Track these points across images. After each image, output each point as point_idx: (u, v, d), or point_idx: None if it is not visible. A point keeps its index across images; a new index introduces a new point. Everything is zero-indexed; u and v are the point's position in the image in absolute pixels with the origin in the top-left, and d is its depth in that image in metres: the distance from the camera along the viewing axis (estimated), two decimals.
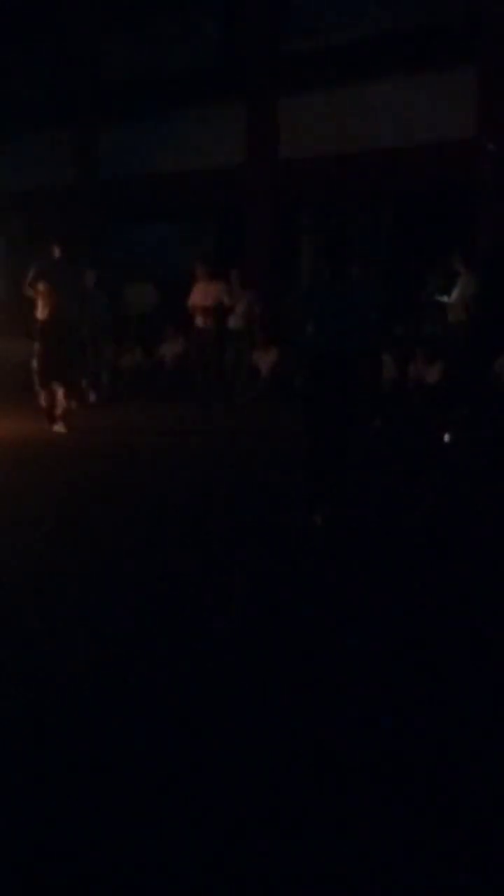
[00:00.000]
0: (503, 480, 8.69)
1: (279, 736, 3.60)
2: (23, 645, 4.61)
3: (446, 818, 2.99)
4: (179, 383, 14.79)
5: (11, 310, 14.56)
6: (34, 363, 11.25)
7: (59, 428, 11.21)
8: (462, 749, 3.52)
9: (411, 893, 2.64)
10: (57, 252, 11.26)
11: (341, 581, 5.65)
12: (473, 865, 2.76)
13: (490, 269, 12.19)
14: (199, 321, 14.05)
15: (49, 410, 11.23)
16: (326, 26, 16.55)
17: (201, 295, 13.96)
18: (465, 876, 2.71)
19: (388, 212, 16.61)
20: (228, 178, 17.36)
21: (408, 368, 13.95)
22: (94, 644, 4.60)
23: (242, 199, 17.52)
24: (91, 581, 5.67)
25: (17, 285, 12.34)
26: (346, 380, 6.79)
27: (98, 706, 3.91)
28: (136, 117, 18.52)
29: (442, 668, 4.30)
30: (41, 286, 11.23)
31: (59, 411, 11.32)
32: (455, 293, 11.68)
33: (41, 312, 11.37)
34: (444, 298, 12.36)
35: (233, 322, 14.92)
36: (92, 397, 14.47)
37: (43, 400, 11.30)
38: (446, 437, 10.36)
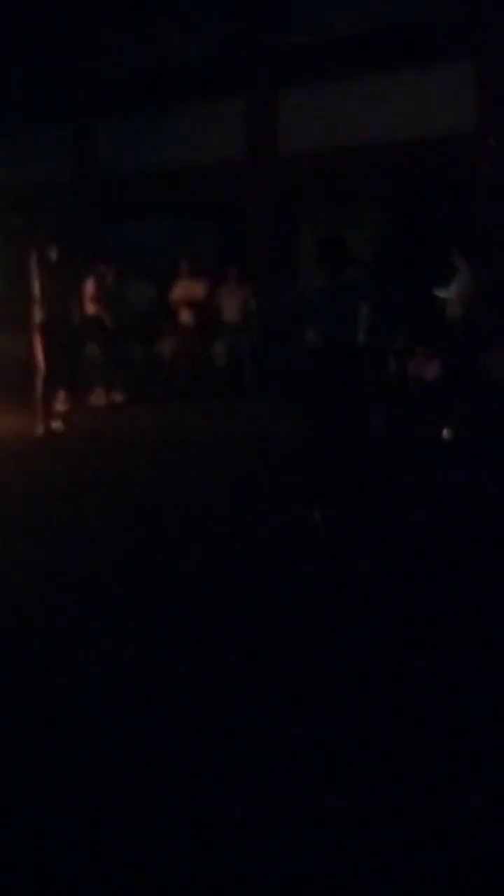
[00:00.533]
0: (502, 478, 8.68)
1: (279, 735, 3.61)
2: (22, 642, 4.62)
3: (447, 818, 3.00)
4: (177, 380, 14.81)
5: (9, 306, 14.54)
6: (38, 361, 11.20)
7: (57, 426, 11.21)
8: (464, 748, 3.53)
9: (411, 893, 2.64)
10: (55, 255, 11.15)
11: (340, 578, 5.65)
12: (473, 866, 2.76)
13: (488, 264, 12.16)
14: (184, 318, 14.26)
15: (48, 408, 11.19)
16: (326, 21, 16.55)
17: (183, 291, 14.16)
18: (465, 876, 2.71)
19: (387, 207, 16.57)
20: (228, 173, 17.35)
21: (407, 365, 13.93)
22: (93, 642, 4.61)
23: (242, 194, 17.51)
24: (87, 577, 5.67)
25: (14, 281, 12.31)
26: (346, 377, 6.85)
27: (98, 703, 3.92)
28: (135, 112, 18.50)
29: (442, 667, 4.31)
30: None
31: (59, 409, 11.33)
32: (453, 289, 11.63)
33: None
34: (443, 294, 12.31)
35: (228, 317, 14.96)
36: (118, 397, 14.35)
37: (43, 397, 11.25)
38: (445, 434, 10.34)
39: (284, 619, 4.97)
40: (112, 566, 5.96)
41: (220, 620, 4.89)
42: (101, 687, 4.10)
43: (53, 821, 3.03)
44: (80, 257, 12.57)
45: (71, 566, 5.93)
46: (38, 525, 6.98)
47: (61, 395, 11.40)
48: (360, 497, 7.07)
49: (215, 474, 8.88)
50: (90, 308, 13.63)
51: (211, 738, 3.61)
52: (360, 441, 7.16)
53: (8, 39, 20.15)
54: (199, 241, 17.93)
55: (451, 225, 14.63)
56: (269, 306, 15.20)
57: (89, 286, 13.63)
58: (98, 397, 13.92)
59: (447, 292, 11.90)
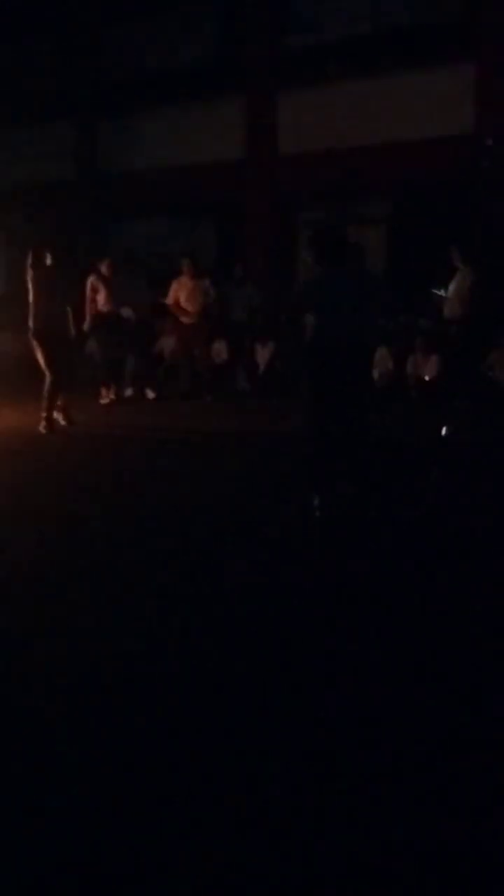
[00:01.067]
0: (501, 474, 8.73)
1: (281, 733, 3.60)
2: (26, 637, 4.66)
3: (447, 818, 3.00)
4: (175, 378, 14.87)
5: (10, 303, 14.58)
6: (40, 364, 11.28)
7: (61, 423, 11.41)
8: (467, 744, 3.52)
9: (411, 893, 2.65)
10: (49, 259, 11.19)
11: (340, 572, 5.69)
12: (472, 866, 2.76)
13: (487, 264, 12.24)
14: (185, 318, 14.34)
15: (51, 406, 11.28)
16: (326, 22, 16.64)
17: (186, 292, 14.23)
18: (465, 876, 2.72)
19: (387, 207, 16.64)
20: (228, 173, 17.42)
21: (405, 362, 14.01)
22: (98, 633, 4.64)
23: (242, 194, 17.58)
24: (88, 571, 5.71)
25: (15, 279, 12.37)
26: (346, 367, 6.94)
27: (99, 699, 3.93)
28: (136, 111, 18.57)
29: (446, 663, 4.31)
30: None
31: (60, 405, 11.48)
32: (452, 288, 11.71)
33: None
34: (441, 292, 12.39)
35: (236, 315, 15.14)
36: (150, 394, 14.41)
37: (47, 397, 11.28)
38: (444, 431, 10.40)
39: (283, 608, 5.01)
40: (112, 558, 6.00)
41: (222, 611, 4.93)
42: (106, 681, 4.10)
43: (53, 821, 3.02)
44: (79, 256, 12.59)
45: (73, 560, 5.96)
46: (39, 520, 7.00)
47: (62, 393, 11.43)
48: (362, 486, 7.15)
49: (219, 470, 8.91)
50: (92, 306, 13.65)
51: (212, 731, 3.61)
52: (362, 431, 7.21)
53: (10, 38, 20.21)
54: (198, 240, 18.01)
55: (450, 225, 14.70)
56: (271, 305, 15.26)
57: (91, 283, 13.65)
58: (103, 395, 13.92)
59: (446, 291, 11.99)
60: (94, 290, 13.66)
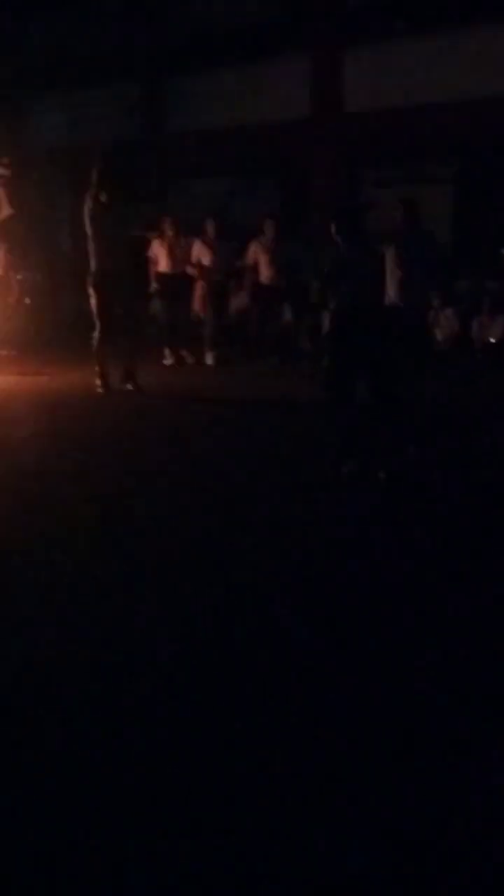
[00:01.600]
0: None
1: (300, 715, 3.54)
2: (80, 594, 4.72)
3: (446, 818, 2.94)
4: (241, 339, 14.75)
5: (74, 262, 14.61)
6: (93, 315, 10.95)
7: (119, 384, 11.00)
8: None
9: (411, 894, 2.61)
10: (108, 203, 10.64)
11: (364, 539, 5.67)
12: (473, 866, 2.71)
13: None
14: (264, 277, 14.10)
15: (104, 364, 10.96)
16: None
17: (269, 254, 13.98)
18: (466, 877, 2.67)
19: (455, 165, 16.39)
20: (293, 131, 17.27)
21: (471, 324, 13.86)
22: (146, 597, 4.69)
23: (307, 153, 17.43)
24: (139, 532, 5.76)
25: (80, 238, 12.30)
26: (371, 334, 7.18)
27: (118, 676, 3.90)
28: (202, 70, 18.44)
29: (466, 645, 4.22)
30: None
31: (124, 366, 11.00)
32: None
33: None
34: None
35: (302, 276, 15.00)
36: (210, 359, 14.03)
37: (98, 353, 11.05)
38: None
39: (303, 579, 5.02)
40: (157, 519, 6.03)
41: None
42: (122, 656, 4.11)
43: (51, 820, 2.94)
44: (147, 214, 12.35)
45: (125, 524, 6.00)
46: (89, 482, 7.01)
47: (125, 351, 10.96)
48: (398, 454, 7.22)
49: (274, 435, 8.86)
50: (154, 267, 13.64)
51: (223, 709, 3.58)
52: (397, 398, 7.32)
53: None
54: (263, 200, 17.87)
55: None
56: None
57: (156, 244, 13.62)
58: (166, 357, 13.92)
59: None
60: (157, 251, 13.65)
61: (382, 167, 16.59)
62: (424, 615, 4.40)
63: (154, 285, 13.72)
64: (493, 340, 13.47)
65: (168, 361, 13.86)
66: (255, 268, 14.10)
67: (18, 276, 16.26)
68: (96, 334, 10.92)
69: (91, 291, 10.87)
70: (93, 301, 10.88)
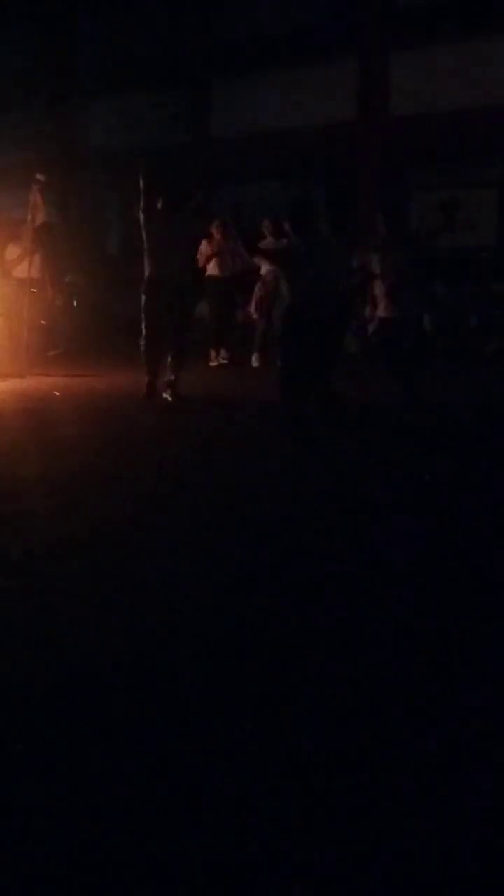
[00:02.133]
0: None
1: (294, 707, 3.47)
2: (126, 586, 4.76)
3: (446, 817, 2.87)
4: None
5: (124, 266, 14.73)
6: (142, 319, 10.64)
7: (165, 394, 10.43)
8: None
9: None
10: (162, 206, 10.49)
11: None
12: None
13: None
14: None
15: (152, 369, 10.56)
16: None
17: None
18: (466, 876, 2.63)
19: (500, 169, 16.38)
20: (340, 135, 17.32)
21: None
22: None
23: (354, 156, 17.47)
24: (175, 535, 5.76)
25: (130, 242, 12.43)
26: (322, 325, 7.75)
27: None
28: (248, 74, 18.55)
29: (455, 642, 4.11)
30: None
31: (169, 376, 10.50)
32: None
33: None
34: None
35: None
36: (255, 361, 13.86)
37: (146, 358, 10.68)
38: None
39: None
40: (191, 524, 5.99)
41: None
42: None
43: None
44: (196, 217, 12.21)
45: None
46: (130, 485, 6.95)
47: (171, 362, 10.46)
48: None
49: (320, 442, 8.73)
50: (206, 267, 13.74)
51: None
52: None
53: (122, 2, 20.35)
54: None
55: None
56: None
57: (204, 245, 13.70)
58: (212, 358, 14.00)
59: None
60: (206, 254, 13.76)
61: (428, 170, 16.61)
62: (425, 615, 4.38)
63: (205, 287, 13.81)
64: None
65: (214, 363, 13.97)
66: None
67: (67, 279, 16.41)
68: (142, 341, 10.70)
69: (142, 297, 10.65)
70: (142, 307, 10.65)
